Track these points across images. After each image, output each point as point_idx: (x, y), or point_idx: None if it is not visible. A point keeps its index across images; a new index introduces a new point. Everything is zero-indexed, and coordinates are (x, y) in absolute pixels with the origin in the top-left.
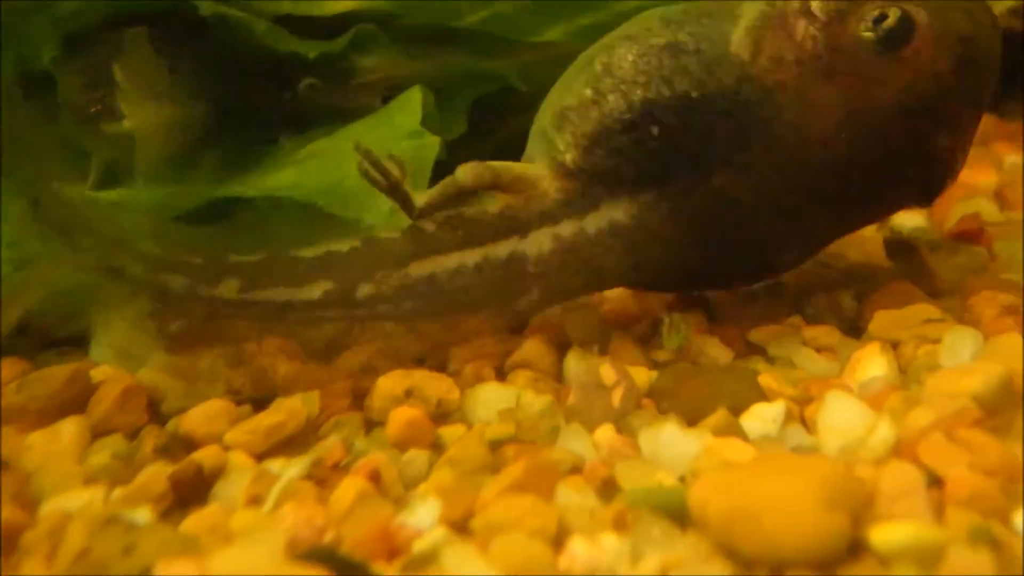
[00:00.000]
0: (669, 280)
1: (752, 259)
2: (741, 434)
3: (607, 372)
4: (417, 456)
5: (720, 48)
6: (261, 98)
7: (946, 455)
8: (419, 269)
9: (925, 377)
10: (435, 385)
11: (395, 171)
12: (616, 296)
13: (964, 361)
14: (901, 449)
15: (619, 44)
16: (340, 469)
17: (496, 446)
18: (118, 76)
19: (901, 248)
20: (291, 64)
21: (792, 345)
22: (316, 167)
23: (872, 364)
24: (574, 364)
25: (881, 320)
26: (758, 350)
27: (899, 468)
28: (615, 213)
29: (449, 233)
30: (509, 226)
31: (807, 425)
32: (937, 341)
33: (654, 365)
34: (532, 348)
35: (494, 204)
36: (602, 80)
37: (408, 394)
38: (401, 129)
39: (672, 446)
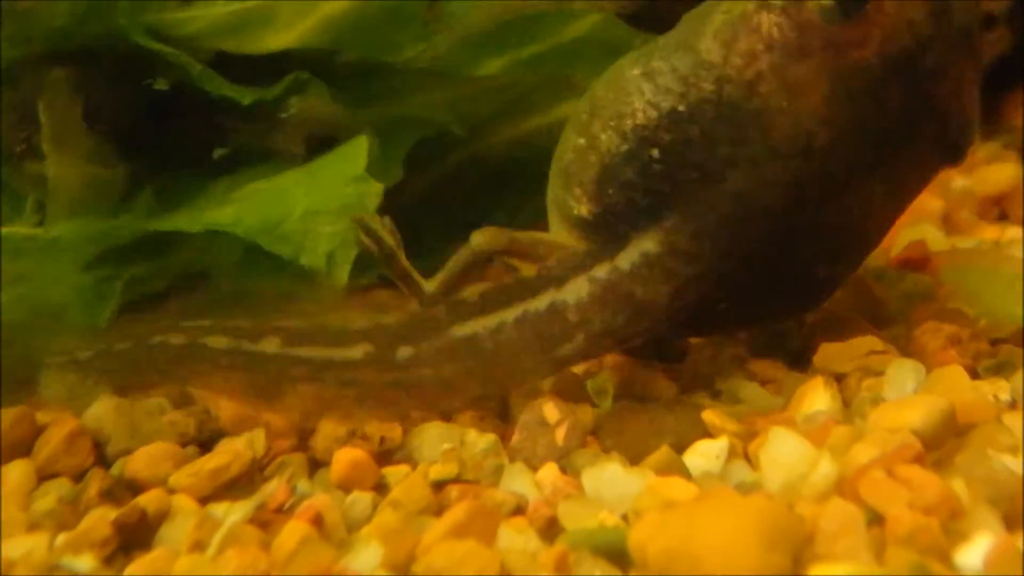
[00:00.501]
0: (712, 313)
1: (793, 273)
2: (684, 472)
3: (551, 410)
4: (360, 498)
5: (692, 60)
6: (195, 137)
7: (886, 492)
8: (461, 331)
9: (868, 411)
10: (377, 424)
11: (389, 240)
12: None
13: (907, 394)
14: (843, 486)
15: (597, 88)
16: (284, 512)
17: (440, 487)
18: (41, 116)
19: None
20: (224, 106)
21: (737, 379)
22: (257, 206)
23: (816, 398)
24: (519, 402)
25: (825, 352)
26: (704, 384)
27: (839, 506)
28: (645, 244)
29: (491, 299)
30: (546, 283)
31: (751, 461)
32: (881, 373)
33: (599, 401)
34: None
35: (530, 269)
36: (591, 125)
37: (351, 434)
38: (345, 175)
39: (615, 485)
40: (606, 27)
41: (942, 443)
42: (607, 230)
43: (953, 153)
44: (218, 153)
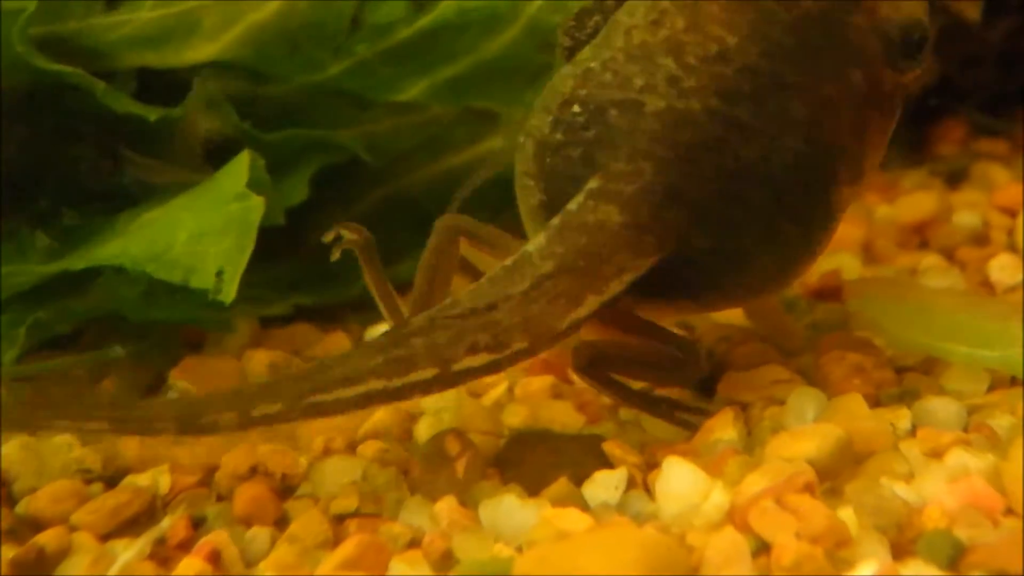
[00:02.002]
0: (685, 272)
1: (759, 226)
2: (581, 503)
3: (451, 443)
4: (260, 533)
5: (604, 32)
6: (96, 168)
7: (774, 521)
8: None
9: (768, 439)
10: (279, 460)
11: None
12: None
13: (807, 423)
14: (734, 515)
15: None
16: (183, 548)
17: (340, 520)
18: None
19: (759, 307)
20: (127, 131)
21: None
22: (144, 235)
23: (722, 427)
24: (423, 434)
25: (731, 381)
26: (609, 414)
27: (726, 536)
28: (588, 186)
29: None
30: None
31: (650, 492)
32: (783, 403)
33: (505, 432)
34: (383, 418)
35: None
36: (526, 124)
37: (253, 470)
38: (228, 193)
39: (511, 517)
40: (525, 42)
41: (838, 472)
42: (563, 202)
43: (904, 55)
44: (127, 180)
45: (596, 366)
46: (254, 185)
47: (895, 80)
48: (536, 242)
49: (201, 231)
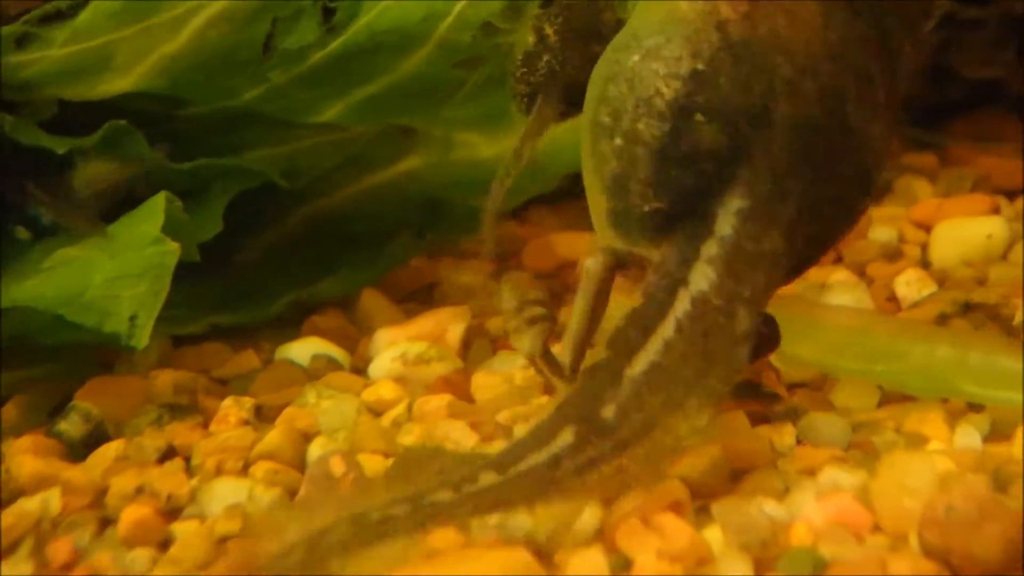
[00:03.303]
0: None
1: (841, 192)
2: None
3: (336, 463)
4: (142, 555)
5: (681, 21)
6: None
7: (639, 540)
8: (637, 367)
9: None
10: (167, 480)
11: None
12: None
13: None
14: (604, 534)
15: (599, 91)
16: (67, 569)
17: (224, 541)
18: None
19: None
20: (35, 165)
21: None
22: (59, 276)
23: None
24: (315, 455)
25: None
26: (503, 433)
27: (587, 555)
28: (732, 205)
29: (631, 333)
30: (666, 292)
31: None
32: None
33: (399, 451)
34: (276, 439)
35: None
36: (620, 123)
37: (139, 491)
38: (143, 236)
39: None
40: (438, 60)
41: (714, 489)
42: (686, 213)
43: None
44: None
45: None
46: (170, 227)
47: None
48: (704, 279)
49: (116, 275)
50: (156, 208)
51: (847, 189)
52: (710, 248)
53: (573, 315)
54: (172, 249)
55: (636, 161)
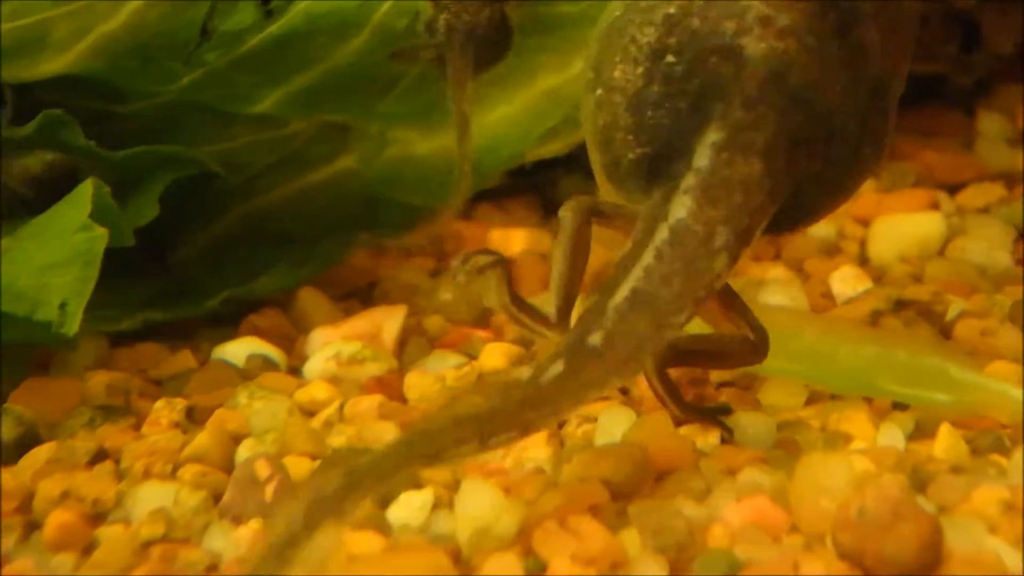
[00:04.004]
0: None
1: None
2: (384, 525)
3: (261, 466)
4: (66, 560)
5: None
6: None
7: (555, 543)
8: (620, 295)
9: (575, 458)
10: (93, 484)
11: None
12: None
13: (615, 441)
14: (522, 537)
15: (590, 54)
16: None
17: (148, 546)
18: None
19: None
20: None
21: None
22: None
23: (535, 445)
24: (243, 457)
25: None
26: None
27: (502, 558)
28: (709, 138)
29: (622, 265)
30: (650, 225)
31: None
32: (595, 420)
33: (329, 452)
34: (205, 441)
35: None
36: (601, 76)
37: (65, 495)
38: (71, 224)
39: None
40: (374, 48)
41: (635, 491)
42: (670, 156)
43: None
44: None
45: (676, 363)
46: (99, 213)
47: None
48: (682, 207)
49: (46, 263)
50: (84, 195)
51: (852, 130)
52: (687, 180)
53: (554, 265)
54: (100, 235)
55: (616, 110)
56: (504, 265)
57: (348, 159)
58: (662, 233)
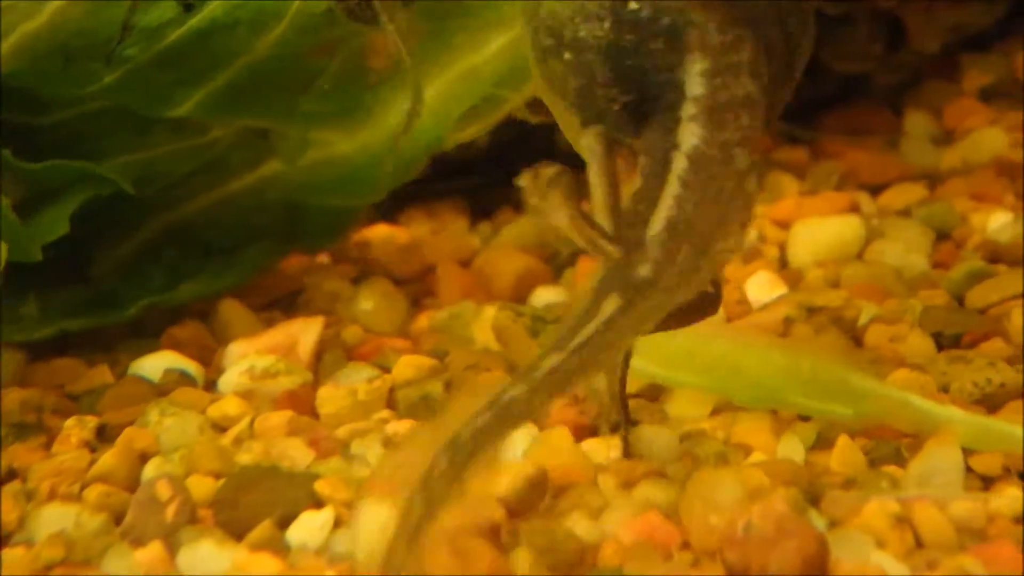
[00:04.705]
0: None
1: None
2: (281, 546)
3: (163, 488)
4: None
5: None
6: None
7: (443, 564)
8: (657, 224)
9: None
10: None
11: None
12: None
13: (516, 458)
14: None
15: (537, 18)
16: None
17: (49, 568)
18: None
19: (505, 329)
20: None
21: (373, 442)
22: None
23: None
24: (149, 476)
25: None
26: (341, 449)
27: None
28: (695, 67)
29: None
30: (661, 158)
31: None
32: None
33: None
34: (110, 461)
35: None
36: (564, 37)
37: None
38: None
39: (207, 564)
40: (294, 39)
41: (531, 508)
42: (656, 95)
43: None
44: None
45: None
46: (3, 228)
47: None
48: (692, 136)
49: None
50: None
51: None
52: (688, 109)
53: (594, 191)
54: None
55: (591, 68)
56: (570, 176)
57: (270, 166)
58: (680, 163)
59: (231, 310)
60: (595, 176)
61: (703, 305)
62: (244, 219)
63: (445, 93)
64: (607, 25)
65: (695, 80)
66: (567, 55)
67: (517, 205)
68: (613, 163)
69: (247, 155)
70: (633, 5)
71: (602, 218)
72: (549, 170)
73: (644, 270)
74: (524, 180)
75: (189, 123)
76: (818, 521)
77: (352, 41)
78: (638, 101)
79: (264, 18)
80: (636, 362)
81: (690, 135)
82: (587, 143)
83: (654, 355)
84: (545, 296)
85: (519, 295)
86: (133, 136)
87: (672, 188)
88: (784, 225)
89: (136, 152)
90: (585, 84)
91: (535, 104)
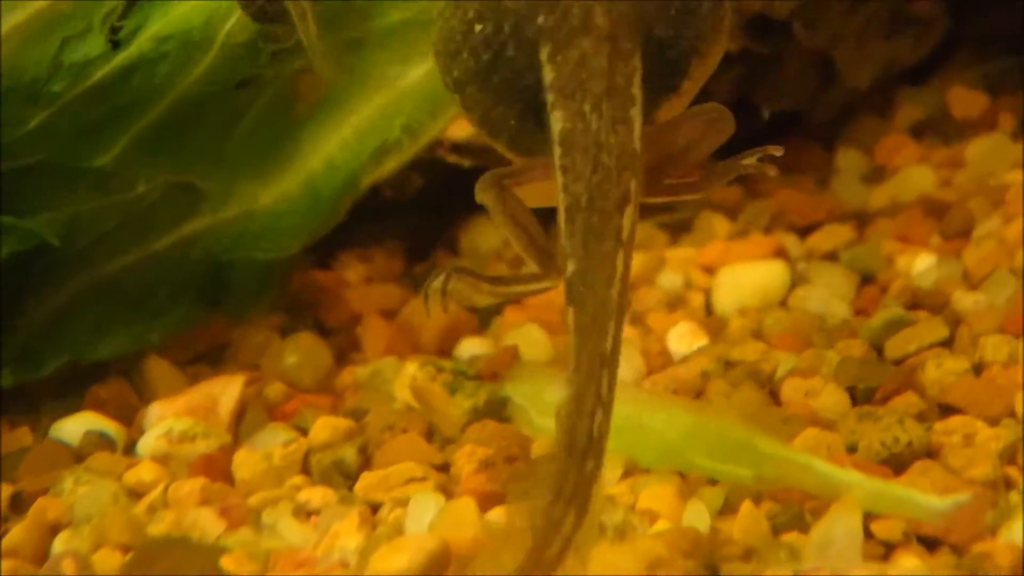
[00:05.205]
0: None
1: None
2: None
3: (68, 566)
4: None
5: None
6: None
7: None
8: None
9: (382, 547)
10: None
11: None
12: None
13: (423, 528)
14: None
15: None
16: None
17: None
18: None
19: (424, 388)
20: None
21: (284, 511)
22: None
23: (347, 533)
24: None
25: (367, 481)
26: (253, 519)
27: None
28: (544, 51)
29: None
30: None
31: None
32: (407, 503)
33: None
34: (19, 534)
35: None
36: (460, 41)
37: None
38: None
39: None
40: (222, 70)
41: None
42: (534, 92)
43: None
44: None
45: (659, 175)
46: None
47: None
48: (557, 121)
49: None
50: None
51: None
52: (548, 98)
53: (508, 235)
54: None
55: (477, 96)
56: (461, 268)
57: (194, 222)
58: (556, 151)
59: (155, 367)
60: (501, 223)
61: (717, 130)
62: (169, 276)
63: (361, 128)
64: (465, 54)
65: (547, 67)
66: (459, 95)
67: (452, 247)
68: (512, 200)
69: (172, 211)
70: (478, 27)
71: (527, 255)
72: (437, 280)
73: (569, 268)
74: (422, 297)
75: (115, 178)
76: None
77: (277, 80)
78: (525, 109)
79: (190, 51)
80: (548, 424)
81: (555, 122)
82: (480, 199)
83: None
84: (471, 348)
85: (445, 347)
86: (59, 191)
87: (559, 180)
88: (711, 270)
89: (62, 207)
90: (483, 112)
91: (465, 147)
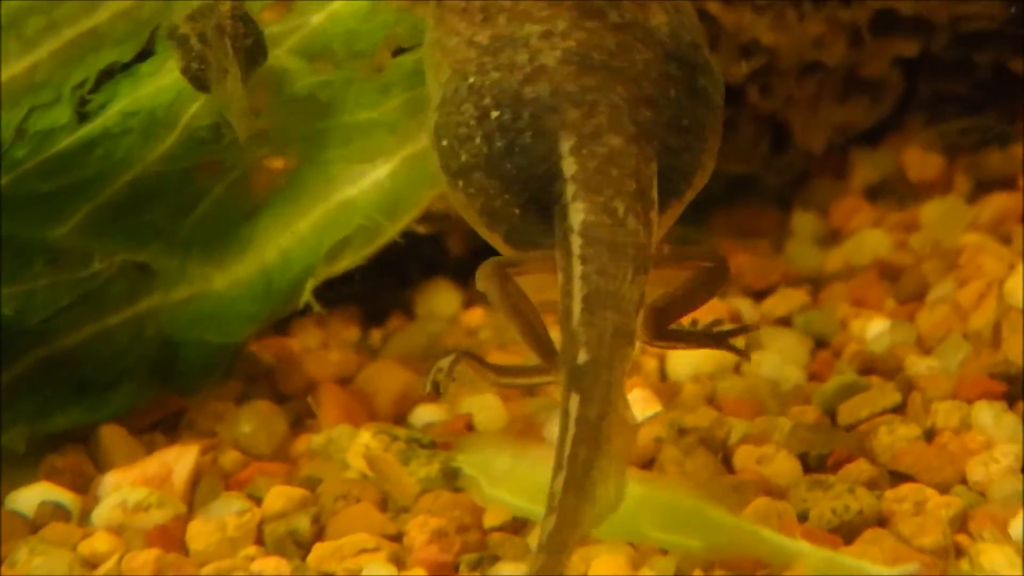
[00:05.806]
0: None
1: None
2: None
3: None
4: None
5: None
6: None
7: None
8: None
9: None
10: None
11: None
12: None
13: None
14: None
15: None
16: None
17: None
18: None
19: (377, 457)
20: None
21: None
22: None
23: None
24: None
25: (320, 552)
26: None
27: None
28: (566, 144)
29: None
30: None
31: None
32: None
33: None
34: None
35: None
36: (452, 166)
37: None
38: None
39: None
40: (181, 152)
41: None
42: (544, 183)
43: None
44: None
45: (662, 323)
46: None
47: None
48: (577, 212)
49: None
50: None
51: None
52: (569, 190)
53: (509, 325)
54: None
55: (484, 182)
56: (469, 353)
57: (148, 300)
58: (576, 242)
59: (111, 435)
60: (503, 313)
61: (711, 278)
62: (121, 353)
63: (319, 223)
64: (478, 140)
65: (569, 160)
66: (462, 180)
67: (408, 310)
68: (514, 290)
69: (126, 289)
70: (494, 113)
71: (528, 346)
72: (444, 363)
73: (581, 357)
74: (425, 383)
75: (70, 255)
76: None
77: (237, 167)
78: (531, 200)
79: (154, 128)
80: (498, 494)
81: (576, 213)
82: (481, 287)
83: (516, 487)
84: (426, 415)
85: (400, 413)
86: (14, 267)
87: (576, 270)
88: None
89: (16, 283)
90: (485, 201)
91: (422, 217)
